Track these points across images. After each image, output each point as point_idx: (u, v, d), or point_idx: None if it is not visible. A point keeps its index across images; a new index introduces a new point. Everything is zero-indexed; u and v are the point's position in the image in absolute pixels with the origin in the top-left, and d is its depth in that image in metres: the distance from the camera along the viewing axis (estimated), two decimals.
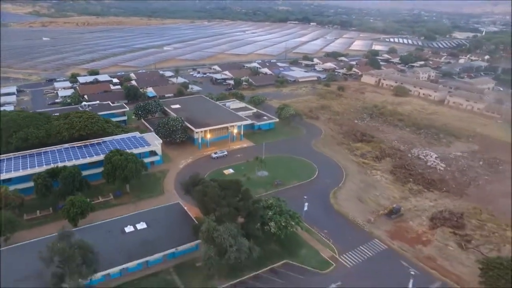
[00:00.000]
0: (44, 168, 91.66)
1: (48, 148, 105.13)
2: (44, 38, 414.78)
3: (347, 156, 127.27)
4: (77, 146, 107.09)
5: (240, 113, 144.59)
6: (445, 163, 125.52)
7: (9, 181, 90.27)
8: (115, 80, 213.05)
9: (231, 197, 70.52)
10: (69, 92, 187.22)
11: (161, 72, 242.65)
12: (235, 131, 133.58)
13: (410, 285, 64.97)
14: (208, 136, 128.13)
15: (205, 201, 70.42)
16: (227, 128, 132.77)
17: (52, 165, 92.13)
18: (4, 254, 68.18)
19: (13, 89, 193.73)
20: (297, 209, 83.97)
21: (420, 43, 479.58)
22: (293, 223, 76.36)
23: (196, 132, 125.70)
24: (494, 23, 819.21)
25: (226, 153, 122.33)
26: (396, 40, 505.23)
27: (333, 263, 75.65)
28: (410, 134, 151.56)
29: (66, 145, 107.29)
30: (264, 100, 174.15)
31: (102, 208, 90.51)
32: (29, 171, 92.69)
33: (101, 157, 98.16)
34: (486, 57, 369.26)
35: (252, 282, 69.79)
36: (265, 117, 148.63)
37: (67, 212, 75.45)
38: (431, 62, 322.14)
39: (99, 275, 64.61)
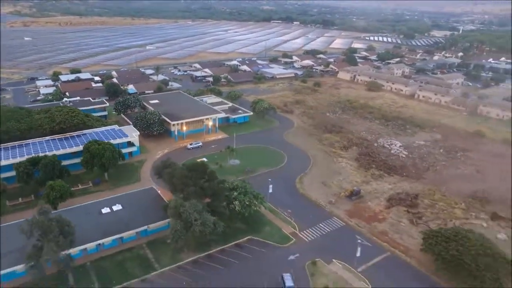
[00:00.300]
0: (25, 158, 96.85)
1: (29, 141, 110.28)
2: (26, 38, 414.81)
3: (316, 146, 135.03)
4: (57, 138, 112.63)
5: (216, 108, 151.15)
6: (408, 151, 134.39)
7: None
8: (97, 78, 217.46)
9: (198, 178, 77.31)
10: (51, 89, 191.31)
11: (142, 70, 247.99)
12: (210, 123, 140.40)
13: (358, 253, 72.60)
14: (184, 128, 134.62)
15: (174, 182, 77.23)
16: (202, 121, 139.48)
17: (33, 155, 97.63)
18: None
19: None
20: (263, 192, 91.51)
21: (399, 41, 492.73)
22: (256, 202, 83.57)
23: (173, 125, 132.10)
24: (473, 22, 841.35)
25: (201, 144, 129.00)
26: (376, 38, 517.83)
27: (293, 238, 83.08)
28: (378, 126, 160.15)
29: (47, 138, 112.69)
30: (241, 96, 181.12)
31: (81, 194, 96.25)
32: (11, 160, 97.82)
33: (80, 147, 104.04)
34: (460, 54, 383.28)
35: (218, 255, 76.79)
36: (240, 111, 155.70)
37: (47, 195, 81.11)
38: (406, 59, 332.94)
39: (76, 249, 70.80)
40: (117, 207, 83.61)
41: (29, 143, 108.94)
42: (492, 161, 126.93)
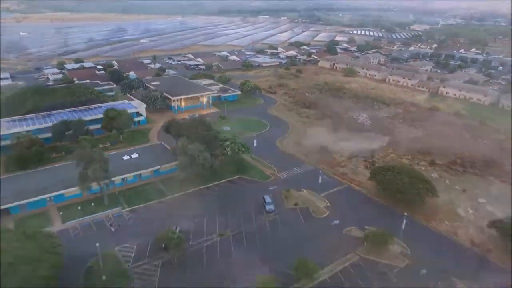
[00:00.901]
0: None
1: (58, 111, 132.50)
2: (22, 33, 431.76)
3: (295, 117, 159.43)
4: (79, 110, 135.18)
5: (209, 88, 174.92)
6: (372, 121, 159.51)
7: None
8: (99, 67, 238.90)
9: (198, 128, 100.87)
10: (59, 76, 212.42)
11: (139, 60, 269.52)
12: (205, 100, 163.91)
13: (320, 180, 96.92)
14: (183, 104, 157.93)
15: (180, 132, 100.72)
16: (198, 98, 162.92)
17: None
18: (40, 172, 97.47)
19: (7, 75, 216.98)
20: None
21: (380, 35, 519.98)
22: (243, 149, 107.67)
23: (173, 100, 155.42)
24: (455, 17, 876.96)
25: (197, 116, 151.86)
26: (359, 32, 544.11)
27: (272, 176, 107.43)
28: (350, 103, 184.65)
29: (70, 109, 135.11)
30: (230, 79, 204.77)
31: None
32: (44, 125, 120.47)
33: (100, 115, 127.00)
34: (434, 45, 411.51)
35: (215, 187, 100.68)
36: (229, 91, 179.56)
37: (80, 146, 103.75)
38: (384, 50, 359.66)
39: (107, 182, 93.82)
40: (134, 155, 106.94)
41: (56, 113, 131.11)
42: (440, 128, 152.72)
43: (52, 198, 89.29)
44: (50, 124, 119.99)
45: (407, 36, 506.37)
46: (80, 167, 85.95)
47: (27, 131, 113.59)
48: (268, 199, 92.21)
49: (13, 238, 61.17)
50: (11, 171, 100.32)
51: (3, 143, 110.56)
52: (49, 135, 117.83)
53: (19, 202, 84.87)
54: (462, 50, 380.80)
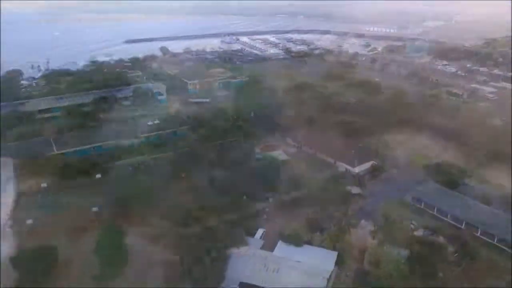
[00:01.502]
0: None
1: (94, 91, 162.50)
2: (55, 33, 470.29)
3: (294, 100, 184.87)
4: (112, 90, 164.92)
5: (222, 75, 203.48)
6: (362, 102, 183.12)
7: None
8: (126, 60, 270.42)
9: None
10: (92, 68, 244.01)
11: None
12: (216, 84, 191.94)
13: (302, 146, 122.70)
14: (198, 87, 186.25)
15: None
16: (210, 82, 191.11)
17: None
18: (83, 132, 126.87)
19: (48, 66, 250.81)
20: None
21: (392, 31, 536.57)
22: (243, 119, 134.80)
23: (189, 84, 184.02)
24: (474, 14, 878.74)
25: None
26: (372, 28, 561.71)
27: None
28: (350, 89, 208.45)
29: (105, 89, 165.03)
30: (241, 69, 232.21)
31: None
32: (85, 100, 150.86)
33: (129, 94, 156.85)
34: (443, 40, 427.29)
35: (220, 144, 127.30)
36: (238, 78, 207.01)
37: None
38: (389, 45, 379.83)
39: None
40: (157, 122, 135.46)
41: (95, 92, 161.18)
42: (418, 105, 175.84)
43: (94, 148, 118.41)
44: (90, 100, 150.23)
45: (418, 32, 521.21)
46: (118, 125, 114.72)
47: (73, 105, 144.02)
48: (257, 150, 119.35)
49: None
50: (62, 133, 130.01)
51: (56, 114, 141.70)
52: (89, 108, 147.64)
53: (71, 149, 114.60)
54: (468, 44, 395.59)
